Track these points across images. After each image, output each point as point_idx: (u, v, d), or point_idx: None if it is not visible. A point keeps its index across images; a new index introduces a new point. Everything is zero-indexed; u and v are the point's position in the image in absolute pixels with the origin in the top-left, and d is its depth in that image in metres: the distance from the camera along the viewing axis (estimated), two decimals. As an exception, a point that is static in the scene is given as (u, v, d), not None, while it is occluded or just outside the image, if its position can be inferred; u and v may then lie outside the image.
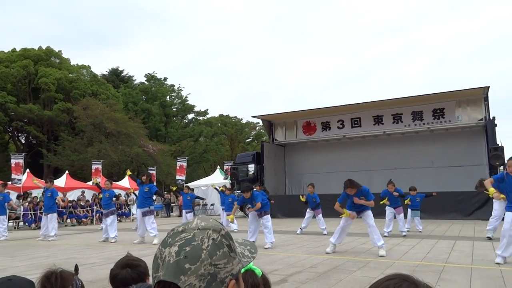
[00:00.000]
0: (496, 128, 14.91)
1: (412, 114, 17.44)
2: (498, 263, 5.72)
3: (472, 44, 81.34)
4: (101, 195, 12.05)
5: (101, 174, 21.29)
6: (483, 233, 9.30)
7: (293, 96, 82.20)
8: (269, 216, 8.37)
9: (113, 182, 13.97)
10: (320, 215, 10.75)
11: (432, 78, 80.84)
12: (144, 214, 9.75)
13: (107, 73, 42.62)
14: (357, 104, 18.32)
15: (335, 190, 16.24)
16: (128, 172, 11.59)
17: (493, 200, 8.49)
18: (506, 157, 13.36)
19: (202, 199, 15.74)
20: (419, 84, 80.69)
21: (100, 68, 74.44)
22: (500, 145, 14.42)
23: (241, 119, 49.02)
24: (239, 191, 18.28)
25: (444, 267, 5.58)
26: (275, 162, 20.24)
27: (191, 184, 22.09)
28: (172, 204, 24.14)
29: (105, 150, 29.00)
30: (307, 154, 20.85)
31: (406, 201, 10.46)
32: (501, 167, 13.80)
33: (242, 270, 0.89)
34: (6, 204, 11.73)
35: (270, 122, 20.82)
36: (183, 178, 23.34)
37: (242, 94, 79.24)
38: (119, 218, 17.22)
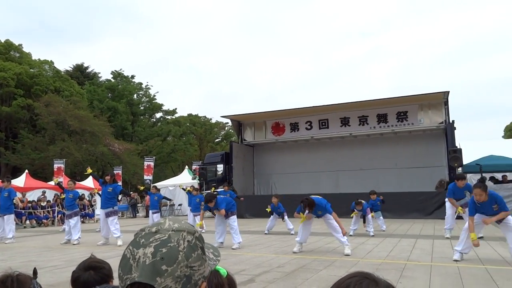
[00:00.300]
0: (455, 131, 15.60)
1: (377, 116, 17.96)
2: (456, 260, 5.99)
3: (434, 50, 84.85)
4: (63, 196, 11.60)
5: (63, 173, 20.53)
6: (442, 231, 9.70)
7: (262, 97, 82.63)
8: (235, 216, 8.36)
9: (76, 182, 13.48)
10: (286, 217, 10.88)
11: (397, 82, 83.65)
12: (108, 215, 9.49)
13: (71, 69, 41.17)
14: (325, 106, 18.65)
15: (303, 191, 16.47)
16: (89, 170, 10.91)
17: (445, 200, 8.95)
18: (464, 159, 14.07)
19: (169, 199, 15.50)
20: (384, 87, 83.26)
21: (64, 64, 71.94)
22: (458, 147, 15.11)
23: (210, 119, 48.74)
24: (208, 191, 18.19)
25: (406, 265, 5.77)
26: (244, 162, 20.27)
27: (159, 184, 21.71)
28: (139, 205, 23.64)
29: (68, 149, 28.00)
30: (275, 155, 21.02)
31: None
32: (459, 168, 14.45)
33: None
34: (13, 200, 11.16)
35: (239, 122, 20.83)
36: (150, 178, 22.93)
37: (212, 93, 78.81)
38: (82, 219, 16.68)
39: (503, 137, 45.29)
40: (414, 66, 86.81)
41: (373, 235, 9.53)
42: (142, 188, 15.21)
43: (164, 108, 43.37)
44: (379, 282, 0.80)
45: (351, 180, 17.97)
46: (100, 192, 12.13)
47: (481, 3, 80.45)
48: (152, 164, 23.36)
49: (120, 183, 15.83)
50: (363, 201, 9.81)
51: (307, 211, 7.19)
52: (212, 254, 0.96)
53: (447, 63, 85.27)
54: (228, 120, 23.91)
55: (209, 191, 17.82)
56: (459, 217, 8.70)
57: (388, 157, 18.30)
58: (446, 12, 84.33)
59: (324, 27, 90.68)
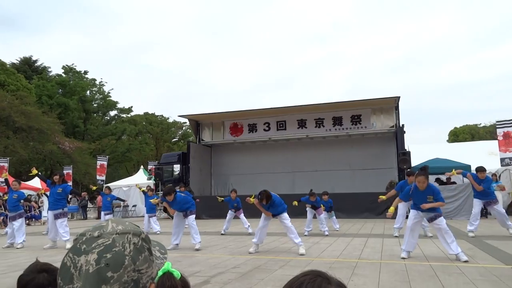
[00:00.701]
0: (405, 134, 16.39)
1: (332, 119, 18.46)
2: (403, 258, 6.29)
3: (386, 57, 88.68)
4: (6, 196, 10.88)
5: (7, 172, 19.29)
6: (391, 230, 10.14)
7: (221, 97, 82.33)
8: (194, 216, 8.28)
9: (21, 182, 12.71)
10: (242, 215, 10.92)
11: (352, 86, 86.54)
12: (57, 217, 9.02)
13: (18, 62, 38.80)
14: (283, 108, 18.92)
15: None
16: (34, 171, 9.87)
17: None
18: (412, 161, 14.81)
19: (123, 200, 15.01)
20: (340, 91, 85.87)
21: (10, 56, 67.63)
22: (407, 150, 15.89)
23: (168, 118, 47.82)
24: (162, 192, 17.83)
25: (357, 263, 5.98)
26: (201, 163, 20.08)
27: (112, 185, 21.00)
28: (90, 206, 22.70)
29: (13, 147, 26.34)
30: (233, 155, 21.01)
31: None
32: (408, 170, 15.17)
33: (160, 273, 0.87)
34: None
35: (197, 122, 20.61)
36: (103, 178, 22.11)
37: (169, 92, 77.44)
38: (27, 221, 15.76)
39: (447, 141, 48.22)
40: (368, 72, 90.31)
41: (327, 234, 9.78)
42: (94, 188, 14.64)
43: (119, 106, 41.98)
44: (332, 280, 0.82)
45: (307, 181, 18.32)
46: (47, 193, 11.50)
47: (429, 14, 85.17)
48: (105, 163, 22.52)
49: (70, 183, 15.12)
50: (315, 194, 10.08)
51: (264, 203, 7.25)
52: (159, 252, 0.93)
53: (397, 70, 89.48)
54: (186, 120, 23.59)
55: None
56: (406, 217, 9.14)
57: (342, 159, 18.87)
58: (397, 21, 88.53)
59: (283, 31, 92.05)
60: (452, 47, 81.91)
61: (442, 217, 6.25)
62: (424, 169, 6.80)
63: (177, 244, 8.17)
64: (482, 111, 73.63)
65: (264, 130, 19.57)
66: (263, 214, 7.54)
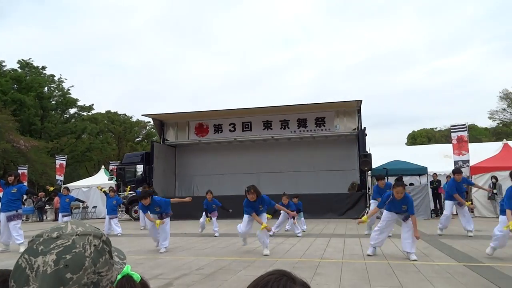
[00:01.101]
0: (366, 137, 16.89)
1: (297, 121, 18.72)
2: (369, 255, 6.50)
3: (349, 61, 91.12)
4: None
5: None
6: (353, 230, 10.44)
7: (186, 97, 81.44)
8: (168, 219, 8.10)
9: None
10: (215, 218, 10.77)
11: (316, 89, 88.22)
12: (10, 219, 8.55)
13: (-32, 55, 36.50)
14: (248, 109, 18.96)
15: (225, 192, 16.53)
16: None
17: (371, 202, 9.75)
18: (373, 163, 15.29)
19: (82, 202, 14.47)
20: (305, 93, 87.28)
21: (-41, 48, 63.45)
22: (369, 152, 16.39)
23: (131, 117, 46.62)
24: (124, 193, 17.37)
25: (319, 263, 6.09)
26: (165, 163, 19.75)
27: (71, 185, 20.22)
28: (47, 207, 21.72)
29: (-38, 145, 24.79)
30: (198, 156, 20.81)
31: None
32: (369, 172, 15.67)
33: (119, 276, 0.85)
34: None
35: (162, 122, 20.26)
36: (62, 178, 21.25)
37: (133, 91, 75.67)
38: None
39: (406, 144, 50.18)
40: (332, 75, 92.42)
41: (300, 236, 9.82)
42: (52, 189, 14.03)
43: (79, 103, 40.40)
44: (296, 280, 0.83)
45: (272, 182, 18.47)
46: (1, 194, 10.90)
47: (390, 23, 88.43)
48: (64, 163, 21.66)
49: (25, 183, 14.38)
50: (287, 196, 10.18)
51: (255, 198, 7.16)
52: (118, 258, 0.92)
53: (360, 74, 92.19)
54: (150, 119, 23.12)
55: (124, 192, 17.05)
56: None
57: (307, 160, 19.17)
58: (360, 28, 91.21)
59: (250, 32, 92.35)
60: (410, 54, 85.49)
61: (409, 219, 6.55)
62: (400, 180, 7.14)
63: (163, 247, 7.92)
64: (438, 115, 77.30)
65: (230, 130, 19.53)
66: (245, 219, 7.40)
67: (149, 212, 7.91)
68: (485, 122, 50.22)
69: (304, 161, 19.19)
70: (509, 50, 65.28)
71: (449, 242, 8.02)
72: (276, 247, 8.07)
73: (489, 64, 72.60)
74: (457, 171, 9.29)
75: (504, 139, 18.38)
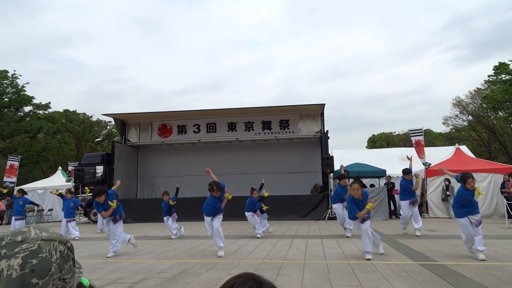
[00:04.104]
0: (329, 140, 17.28)
1: (262, 123, 18.84)
2: (369, 259, 6.58)
3: (313, 66, 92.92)
4: None
5: None
6: (315, 231, 10.63)
7: (150, 97, 79.82)
8: (121, 222, 7.85)
9: None
10: (174, 220, 10.63)
11: (281, 92, 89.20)
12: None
13: None
14: (213, 110, 18.86)
15: (189, 194, 16.35)
16: None
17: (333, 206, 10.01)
18: (335, 165, 15.65)
19: (37, 205, 13.76)
20: (270, 96, 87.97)
21: None
22: (331, 155, 16.76)
23: (91, 117, 44.96)
24: (83, 194, 16.74)
25: (282, 264, 6.16)
26: (127, 164, 19.24)
27: (25, 187, 19.22)
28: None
29: None
30: (161, 157, 20.44)
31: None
32: (331, 174, 16.03)
33: None
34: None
35: (123, 122, 19.72)
36: (14, 180, 20.16)
37: (94, 90, 73.19)
38: None
39: (366, 147, 51.81)
40: (296, 79, 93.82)
41: (259, 237, 9.86)
42: (5, 191, 13.31)
43: (35, 101, 38.48)
44: (263, 282, 0.84)
45: (236, 183, 18.43)
46: None
47: (352, 30, 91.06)
48: (16, 164, 20.57)
49: (-27, 185, 13.53)
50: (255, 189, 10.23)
51: (219, 194, 7.32)
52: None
53: (323, 79, 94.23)
54: (111, 119, 22.45)
55: (83, 194, 16.44)
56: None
57: (271, 162, 19.32)
58: (324, 34, 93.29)
59: (216, 34, 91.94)
60: (372, 61, 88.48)
61: (368, 221, 6.74)
62: (358, 179, 7.37)
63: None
64: (396, 120, 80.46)
65: (194, 132, 19.34)
66: (206, 220, 7.39)
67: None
68: (439, 127, 52.83)
69: (268, 163, 19.32)
70: (461, 60, 69.14)
71: (406, 242, 8.35)
72: (240, 248, 8.07)
73: (443, 72, 76.57)
74: (406, 171, 9.84)
75: (456, 144, 19.40)
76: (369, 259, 6.34)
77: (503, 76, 29.33)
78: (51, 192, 15.66)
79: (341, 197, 9.81)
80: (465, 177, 6.43)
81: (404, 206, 9.88)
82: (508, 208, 12.15)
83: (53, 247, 0.76)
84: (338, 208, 10.10)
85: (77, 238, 11.02)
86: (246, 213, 10.10)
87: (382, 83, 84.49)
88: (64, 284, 0.75)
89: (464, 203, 6.39)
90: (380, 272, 5.38)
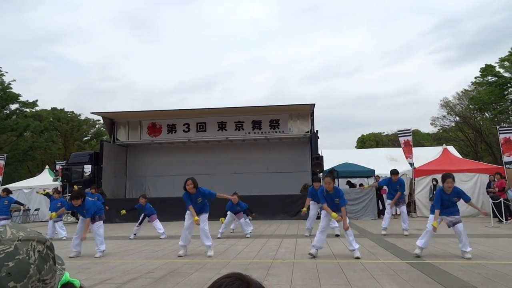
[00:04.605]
0: (318, 140, 17.35)
1: (252, 123, 18.84)
2: (311, 254, 6.64)
3: (304, 66, 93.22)
4: None
5: None
6: (305, 231, 10.62)
7: (139, 96, 79.22)
8: (102, 222, 7.76)
9: None
10: (157, 220, 10.56)
11: (272, 92, 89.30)
12: None
13: None
14: (203, 110, 18.80)
15: (178, 194, 16.16)
16: None
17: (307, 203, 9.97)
18: (325, 165, 15.74)
19: (22, 204, 13.52)
20: (260, 96, 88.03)
21: None
22: (320, 154, 16.84)
23: (79, 115, 44.42)
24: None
25: (272, 263, 6.17)
26: (116, 163, 19.06)
27: (11, 186, 18.91)
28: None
29: None
30: (150, 156, 20.30)
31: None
32: (321, 174, 16.09)
33: (59, 285, 0.81)
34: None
35: (112, 121, 19.53)
36: (0, 178, 19.81)
37: (82, 88, 72.37)
38: None
39: (355, 147, 52.15)
40: (287, 79, 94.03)
41: (249, 237, 9.84)
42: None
43: (21, 99, 37.87)
44: (251, 283, 0.83)
45: (225, 183, 18.42)
46: None
47: (343, 31, 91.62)
48: (2, 162, 20.21)
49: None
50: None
51: (194, 191, 7.19)
52: (57, 263, 0.88)
53: (314, 79, 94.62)
54: (100, 118, 22.21)
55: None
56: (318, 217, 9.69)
57: (260, 162, 19.33)
58: (316, 34, 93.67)
59: (207, 33, 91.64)
60: (362, 62, 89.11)
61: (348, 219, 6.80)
62: (331, 172, 7.42)
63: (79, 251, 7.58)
64: (386, 120, 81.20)
65: (184, 131, 19.25)
66: (187, 215, 7.34)
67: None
68: (427, 128, 53.51)
69: (258, 162, 19.32)
70: (449, 61, 70.06)
71: (393, 241, 8.44)
72: (229, 248, 8.06)
73: (432, 74, 77.48)
74: (394, 171, 9.89)
75: (444, 144, 19.66)
76: (310, 254, 6.61)
77: (490, 78, 29.81)
78: (37, 192, 15.43)
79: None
80: (444, 177, 6.56)
81: (388, 205, 10.02)
82: (494, 208, 12.36)
83: (31, 248, 0.73)
84: (313, 209, 10.04)
85: (64, 238, 10.89)
86: (228, 212, 10.14)
87: (372, 84, 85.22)
88: (44, 286, 0.73)
89: (441, 203, 6.49)
90: (368, 271, 5.42)
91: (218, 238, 9.58)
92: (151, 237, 10.50)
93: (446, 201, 6.46)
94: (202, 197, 7.32)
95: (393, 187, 9.70)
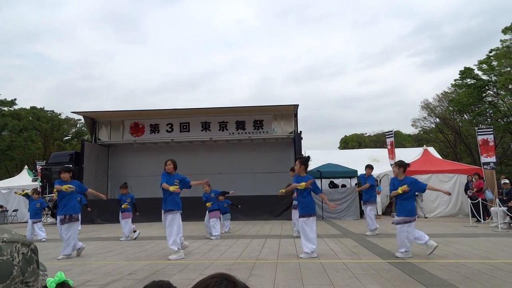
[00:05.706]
0: (302, 140, 17.45)
1: (236, 123, 18.82)
2: (302, 258, 6.69)
3: (288, 67, 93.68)
4: None
5: None
6: (288, 231, 10.70)
7: (122, 95, 78.18)
8: (78, 222, 7.63)
9: None
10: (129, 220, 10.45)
11: (255, 92, 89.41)
12: None
13: None
14: (187, 110, 18.69)
15: (162, 194, 16.07)
16: None
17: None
18: (308, 166, 15.82)
19: (0, 206, 13.19)
20: (244, 96, 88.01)
21: None
22: (304, 155, 16.93)
23: (59, 114, 43.53)
24: (51, 195, 16.21)
25: (255, 264, 6.17)
26: (97, 164, 18.77)
27: (-13, 187, 18.43)
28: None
29: None
30: (133, 156, 20.07)
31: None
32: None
33: (53, 284, 0.79)
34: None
35: (94, 120, 19.23)
36: (-24, 179, 19.28)
37: (63, 86, 70.97)
38: None
39: (338, 148, 52.64)
40: (271, 79, 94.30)
41: (218, 238, 9.77)
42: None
43: (-1, 97, 36.92)
44: (237, 283, 0.84)
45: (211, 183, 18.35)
46: None
47: (325, 33, 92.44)
48: (-21, 162, 19.67)
49: None
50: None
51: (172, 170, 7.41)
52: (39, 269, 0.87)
53: (297, 80, 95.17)
54: (81, 117, 21.83)
55: (51, 194, 15.91)
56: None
57: (244, 162, 19.33)
58: (299, 35, 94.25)
59: (190, 33, 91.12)
60: (344, 63, 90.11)
61: (310, 218, 6.91)
62: (299, 158, 7.72)
63: (69, 254, 7.42)
64: (368, 121, 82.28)
65: (167, 131, 19.10)
66: (168, 221, 7.29)
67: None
68: (408, 129, 54.51)
69: (242, 163, 19.32)
70: (429, 64, 71.49)
71: (375, 241, 8.55)
72: (213, 248, 8.03)
73: (412, 76, 78.92)
74: (368, 166, 10.41)
75: (424, 145, 20.04)
76: (308, 254, 6.71)
77: (468, 80, 30.53)
78: (15, 193, 15.07)
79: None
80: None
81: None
82: (472, 208, 12.66)
83: (15, 249, 0.72)
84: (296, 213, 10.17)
85: (43, 239, 10.66)
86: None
87: (354, 85, 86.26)
88: None
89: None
90: (350, 270, 5.48)
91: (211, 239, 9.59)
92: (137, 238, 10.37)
93: (396, 185, 6.81)
94: (181, 182, 7.26)
95: (365, 182, 10.25)
